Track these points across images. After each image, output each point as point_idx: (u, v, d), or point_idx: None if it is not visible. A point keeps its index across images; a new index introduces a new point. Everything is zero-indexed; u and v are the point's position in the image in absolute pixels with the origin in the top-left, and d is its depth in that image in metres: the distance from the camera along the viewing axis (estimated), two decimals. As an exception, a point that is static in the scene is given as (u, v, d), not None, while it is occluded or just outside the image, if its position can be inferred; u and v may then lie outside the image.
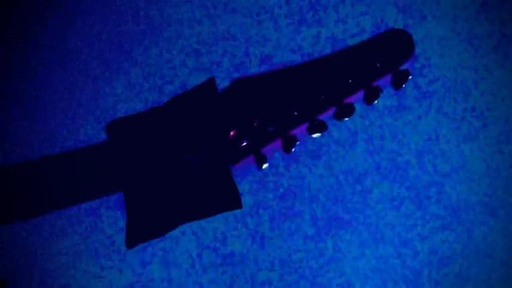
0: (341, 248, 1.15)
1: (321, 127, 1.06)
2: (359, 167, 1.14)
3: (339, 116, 1.07)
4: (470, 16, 1.21)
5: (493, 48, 1.19)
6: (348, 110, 1.06)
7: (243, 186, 1.13)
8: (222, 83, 1.16)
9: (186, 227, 1.15)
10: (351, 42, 1.14)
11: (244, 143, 1.07)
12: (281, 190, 1.13)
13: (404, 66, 1.08)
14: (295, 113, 1.07)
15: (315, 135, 1.06)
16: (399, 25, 1.18)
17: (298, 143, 1.06)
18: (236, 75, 1.17)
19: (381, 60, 1.07)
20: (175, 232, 1.15)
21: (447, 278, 1.17)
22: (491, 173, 1.18)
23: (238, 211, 1.14)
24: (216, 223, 1.15)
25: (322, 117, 1.07)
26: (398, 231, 1.17)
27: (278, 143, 1.08)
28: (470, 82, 1.19)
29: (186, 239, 1.16)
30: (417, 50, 1.14)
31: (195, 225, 1.16)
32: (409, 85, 1.15)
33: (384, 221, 1.16)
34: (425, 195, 1.16)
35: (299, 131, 1.08)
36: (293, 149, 1.06)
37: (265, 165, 1.06)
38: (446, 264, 1.17)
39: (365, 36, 1.14)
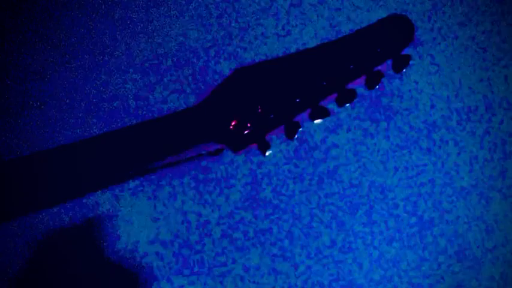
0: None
1: (323, 113, 1.07)
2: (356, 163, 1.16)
3: (340, 102, 1.08)
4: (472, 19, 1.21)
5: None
6: (350, 96, 1.07)
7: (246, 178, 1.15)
8: (222, 70, 1.17)
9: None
10: (352, 27, 1.15)
11: (247, 131, 1.09)
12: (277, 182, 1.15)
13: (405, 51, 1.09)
14: (298, 100, 1.08)
15: (317, 121, 1.07)
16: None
17: (301, 129, 1.07)
18: (234, 64, 1.18)
19: (381, 45, 1.08)
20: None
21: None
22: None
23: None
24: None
25: (324, 103, 1.08)
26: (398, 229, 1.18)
27: (281, 130, 1.09)
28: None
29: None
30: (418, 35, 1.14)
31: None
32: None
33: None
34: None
35: (302, 117, 1.09)
36: (296, 136, 1.07)
37: (268, 152, 1.07)
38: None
39: (365, 23, 1.14)
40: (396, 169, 1.16)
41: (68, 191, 1.15)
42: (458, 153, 1.14)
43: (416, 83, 1.18)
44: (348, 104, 1.08)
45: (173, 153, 1.13)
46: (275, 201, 1.19)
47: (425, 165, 1.18)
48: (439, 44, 1.14)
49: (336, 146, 1.17)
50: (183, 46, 1.22)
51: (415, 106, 1.18)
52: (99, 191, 1.18)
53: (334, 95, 1.09)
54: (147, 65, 1.23)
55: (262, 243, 1.19)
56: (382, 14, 1.16)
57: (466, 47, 1.16)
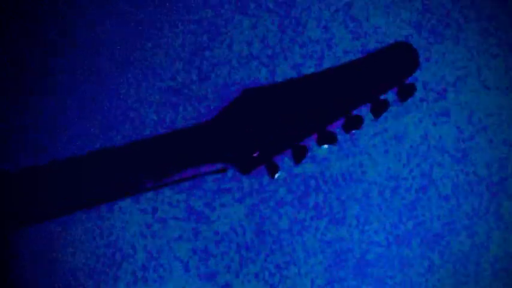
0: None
1: (331, 139, 1.10)
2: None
3: (347, 128, 1.11)
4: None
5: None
6: (356, 122, 1.10)
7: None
8: (226, 90, 1.20)
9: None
10: (357, 55, 1.18)
11: (256, 153, 1.11)
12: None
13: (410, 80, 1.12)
14: (304, 124, 1.11)
15: (324, 146, 1.10)
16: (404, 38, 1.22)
17: (308, 154, 1.10)
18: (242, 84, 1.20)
19: (386, 73, 1.11)
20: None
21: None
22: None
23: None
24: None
25: (332, 128, 1.11)
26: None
27: (289, 153, 1.12)
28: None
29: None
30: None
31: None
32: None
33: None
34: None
35: (309, 141, 1.12)
36: (303, 160, 1.10)
37: (277, 175, 1.10)
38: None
39: (371, 48, 1.17)
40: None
41: (79, 201, 1.16)
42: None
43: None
44: (354, 131, 1.11)
45: (179, 171, 1.15)
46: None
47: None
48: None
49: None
50: (193, 63, 1.24)
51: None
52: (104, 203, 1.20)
53: (341, 121, 1.12)
54: (158, 82, 1.26)
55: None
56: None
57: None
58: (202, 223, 1.26)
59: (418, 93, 1.21)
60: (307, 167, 1.22)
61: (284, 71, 1.24)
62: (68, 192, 1.17)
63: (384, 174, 1.23)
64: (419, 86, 1.19)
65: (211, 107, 1.19)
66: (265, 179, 1.21)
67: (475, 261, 1.25)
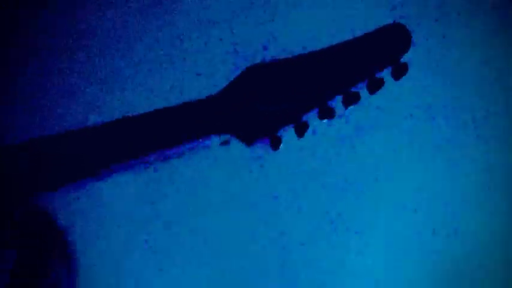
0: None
1: (330, 114, 1.18)
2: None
3: (346, 103, 1.19)
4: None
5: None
6: (354, 98, 1.19)
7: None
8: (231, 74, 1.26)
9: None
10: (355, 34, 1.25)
11: (260, 125, 1.19)
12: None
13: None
14: (306, 99, 1.19)
15: (324, 121, 1.19)
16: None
17: (309, 128, 1.19)
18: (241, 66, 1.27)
19: (381, 52, 1.19)
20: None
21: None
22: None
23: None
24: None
25: (331, 104, 1.19)
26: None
27: (291, 127, 1.20)
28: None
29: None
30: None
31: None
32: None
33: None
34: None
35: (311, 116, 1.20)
36: (305, 134, 1.18)
37: (280, 147, 1.18)
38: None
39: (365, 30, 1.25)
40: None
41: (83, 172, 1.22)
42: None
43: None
44: (352, 106, 1.19)
45: (183, 142, 1.22)
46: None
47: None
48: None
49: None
50: (200, 39, 1.30)
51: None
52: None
53: (340, 97, 1.20)
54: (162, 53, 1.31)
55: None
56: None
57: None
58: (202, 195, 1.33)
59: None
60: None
61: (286, 50, 1.31)
62: (75, 160, 1.22)
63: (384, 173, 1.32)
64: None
65: (217, 82, 1.26)
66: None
67: (475, 263, 1.32)
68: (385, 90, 1.20)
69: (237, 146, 1.23)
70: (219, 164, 1.31)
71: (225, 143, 1.25)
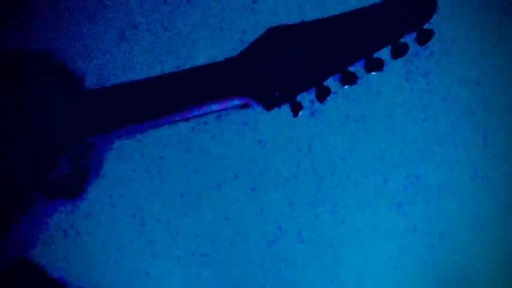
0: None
1: (352, 79, 1.16)
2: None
3: (368, 69, 1.17)
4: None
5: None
6: (377, 64, 1.16)
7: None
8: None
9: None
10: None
11: (280, 90, 1.18)
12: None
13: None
14: (328, 63, 1.17)
15: (345, 86, 1.17)
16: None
17: (331, 93, 1.17)
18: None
19: (406, 17, 1.17)
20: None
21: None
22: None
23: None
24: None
25: (353, 69, 1.18)
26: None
27: (312, 92, 1.18)
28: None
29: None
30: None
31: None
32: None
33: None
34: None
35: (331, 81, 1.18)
36: (327, 99, 1.17)
37: (300, 113, 1.17)
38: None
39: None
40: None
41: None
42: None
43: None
44: (374, 72, 1.17)
45: (205, 103, 1.21)
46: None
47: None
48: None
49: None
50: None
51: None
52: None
53: (362, 62, 1.18)
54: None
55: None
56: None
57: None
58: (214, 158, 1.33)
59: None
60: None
61: (309, 11, 1.29)
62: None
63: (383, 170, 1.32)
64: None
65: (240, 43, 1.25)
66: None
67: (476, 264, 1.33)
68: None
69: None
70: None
71: (245, 106, 1.24)
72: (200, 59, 1.33)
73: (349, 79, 1.17)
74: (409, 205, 1.32)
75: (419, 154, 1.33)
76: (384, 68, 1.16)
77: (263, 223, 1.32)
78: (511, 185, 1.32)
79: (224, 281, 1.30)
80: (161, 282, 1.30)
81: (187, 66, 1.23)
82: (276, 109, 1.19)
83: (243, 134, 1.34)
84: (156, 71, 1.32)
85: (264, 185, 1.32)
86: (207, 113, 1.23)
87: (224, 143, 1.34)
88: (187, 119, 1.23)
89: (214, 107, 1.22)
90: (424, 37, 1.17)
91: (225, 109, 1.23)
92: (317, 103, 1.18)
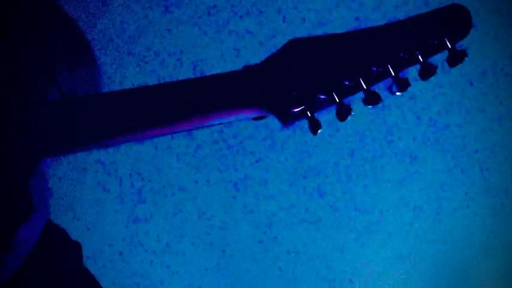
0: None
1: (375, 99, 1.10)
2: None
3: (391, 90, 1.10)
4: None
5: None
6: (403, 84, 1.09)
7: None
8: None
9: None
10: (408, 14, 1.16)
11: (299, 106, 1.11)
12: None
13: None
14: (350, 80, 1.10)
15: (369, 106, 1.10)
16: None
17: (353, 113, 1.10)
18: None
19: (437, 36, 1.09)
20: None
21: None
22: None
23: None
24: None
25: (376, 89, 1.11)
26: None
27: (332, 110, 1.12)
28: None
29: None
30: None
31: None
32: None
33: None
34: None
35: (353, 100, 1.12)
36: (347, 119, 1.10)
37: (319, 131, 1.11)
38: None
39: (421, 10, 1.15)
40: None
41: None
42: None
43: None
44: (399, 93, 1.10)
45: (223, 111, 1.15)
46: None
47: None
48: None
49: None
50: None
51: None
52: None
53: (388, 81, 1.11)
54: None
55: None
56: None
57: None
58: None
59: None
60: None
61: (334, 25, 1.23)
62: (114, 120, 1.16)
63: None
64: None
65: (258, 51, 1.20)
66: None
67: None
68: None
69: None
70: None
71: (260, 118, 1.18)
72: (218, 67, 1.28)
73: (373, 99, 1.10)
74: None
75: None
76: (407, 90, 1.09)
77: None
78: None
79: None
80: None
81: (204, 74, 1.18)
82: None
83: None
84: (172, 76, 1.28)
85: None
86: (221, 123, 1.18)
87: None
88: (198, 128, 1.18)
89: (228, 117, 1.16)
90: (456, 58, 1.10)
91: (239, 120, 1.17)
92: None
